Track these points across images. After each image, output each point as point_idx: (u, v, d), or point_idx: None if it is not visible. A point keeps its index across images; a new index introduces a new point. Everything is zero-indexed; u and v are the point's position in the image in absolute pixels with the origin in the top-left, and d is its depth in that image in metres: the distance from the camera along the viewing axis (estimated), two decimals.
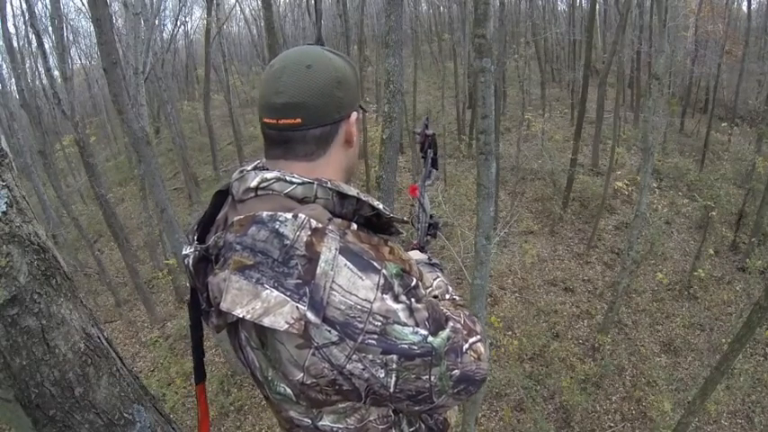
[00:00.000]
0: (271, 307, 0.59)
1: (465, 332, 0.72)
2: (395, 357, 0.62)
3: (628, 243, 8.13)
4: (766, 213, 10.25)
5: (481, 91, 3.61)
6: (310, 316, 0.58)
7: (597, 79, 14.51)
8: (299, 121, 0.70)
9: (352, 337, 0.60)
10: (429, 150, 1.12)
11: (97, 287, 11.46)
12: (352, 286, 0.60)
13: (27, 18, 10.76)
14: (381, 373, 0.62)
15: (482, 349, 0.74)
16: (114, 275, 11.67)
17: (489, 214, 3.98)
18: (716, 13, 17.29)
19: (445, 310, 0.73)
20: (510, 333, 8.82)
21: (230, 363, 8.11)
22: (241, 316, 0.59)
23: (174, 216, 6.76)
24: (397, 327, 0.62)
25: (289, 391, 0.67)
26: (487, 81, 3.55)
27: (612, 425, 7.40)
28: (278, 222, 0.61)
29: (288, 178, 0.68)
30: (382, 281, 0.61)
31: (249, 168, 0.73)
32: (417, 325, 0.64)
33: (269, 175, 0.68)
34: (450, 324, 0.70)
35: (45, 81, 12.47)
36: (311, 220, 0.61)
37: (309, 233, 0.60)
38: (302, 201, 0.68)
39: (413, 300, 0.65)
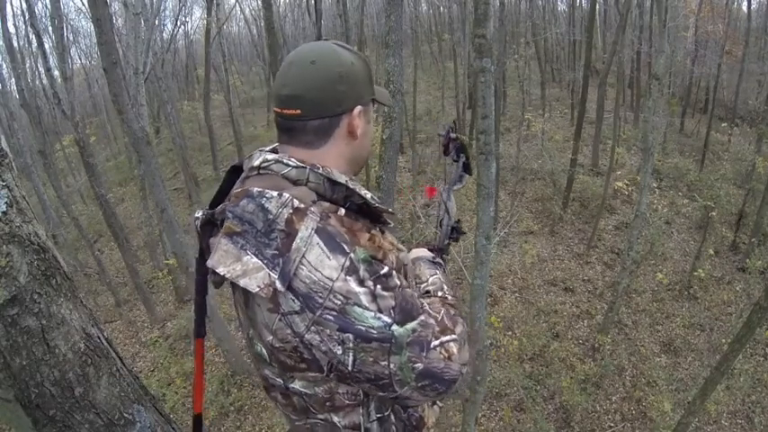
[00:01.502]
0: (248, 270, 0.66)
1: (438, 329, 0.73)
2: (351, 336, 0.66)
3: (628, 243, 8.13)
4: (766, 213, 10.24)
5: (481, 91, 3.61)
6: (278, 284, 0.65)
7: (597, 79, 14.51)
8: (298, 112, 0.77)
9: (312, 310, 0.65)
10: (461, 155, 1.14)
11: (97, 287, 11.46)
12: (319, 263, 0.65)
13: (27, 18, 10.76)
14: (339, 350, 0.67)
15: (454, 350, 0.74)
16: (114, 275, 11.67)
17: (489, 214, 3.97)
18: (716, 13, 17.29)
19: (424, 305, 0.75)
20: (510, 333, 8.82)
21: (230, 363, 8.10)
22: (222, 273, 0.67)
23: (174, 216, 6.76)
24: (356, 308, 0.66)
25: (264, 351, 0.73)
26: (487, 81, 3.55)
27: (612, 425, 7.40)
28: (264, 198, 0.68)
29: (285, 161, 0.75)
30: (348, 263, 0.66)
31: (267, 150, 0.81)
32: (380, 311, 0.67)
33: (270, 156, 0.76)
34: (421, 318, 0.71)
35: (45, 81, 12.47)
36: (294, 199, 0.68)
37: (291, 211, 0.67)
38: (296, 182, 0.74)
39: (378, 286, 0.67)
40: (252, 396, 7.78)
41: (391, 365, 0.69)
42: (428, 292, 0.92)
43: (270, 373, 0.77)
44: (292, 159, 0.76)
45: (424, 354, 0.70)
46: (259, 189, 0.69)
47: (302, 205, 0.68)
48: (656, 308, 9.63)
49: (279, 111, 0.79)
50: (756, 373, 8.02)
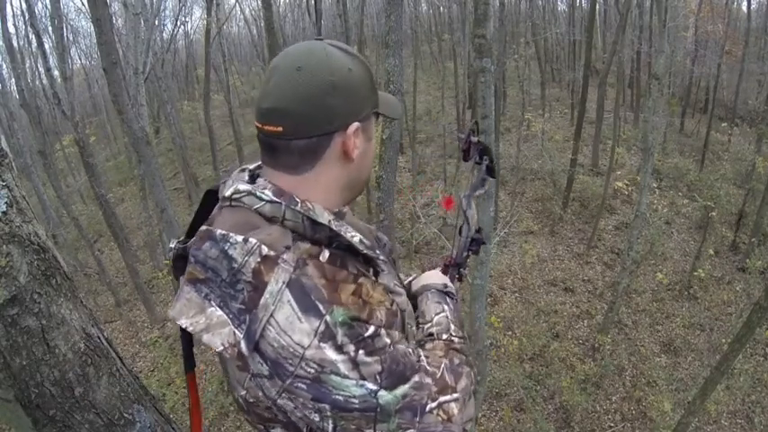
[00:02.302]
0: (212, 325, 0.59)
1: (435, 389, 0.65)
2: (327, 407, 0.58)
3: (628, 243, 8.13)
4: (766, 213, 10.25)
5: (481, 91, 3.62)
6: (242, 345, 0.58)
7: (597, 79, 14.51)
8: (280, 129, 0.64)
9: (281, 378, 0.58)
10: (485, 157, 1.05)
11: (97, 287, 11.46)
12: (288, 326, 0.57)
13: (27, 18, 10.77)
14: (315, 417, 0.59)
15: (455, 410, 0.65)
16: (114, 275, 11.67)
17: (489, 214, 3.98)
18: (716, 13, 17.29)
19: (421, 360, 0.66)
20: (510, 333, 8.82)
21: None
22: (184, 326, 0.60)
23: (173, 216, 6.76)
24: (334, 377, 0.57)
25: (240, 401, 0.66)
26: (487, 81, 3.55)
27: (612, 425, 7.40)
28: (228, 244, 0.60)
29: (258, 194, 0.65)
30: (323, 327, 0.57)
31: (247, 170, 0.71)
32: (363, 378, 0.58)
33: (242, 187, 0.66)
34: (415, 379, 0.63)
35: (45, 81, 12.47)
36: (263, 246, 0.59)
37: (259, 260, 0.59)
38: (270, 219, 0.64)
39: (361, 352, 0.58)
40: None
41: None
42: (431, 334, 0.81)
43: (251, 420, 0.70)
44: (266, 192, 0.65)
45: (417, 419, 0.62)
46: (222, 232, 0.61)
47: (272, 253, 0.59)
48: (656, 308, 9.64)
49: (259, 126, 0.66)
50: (756, 373, 8.03)
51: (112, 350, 0.98)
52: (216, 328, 0.59)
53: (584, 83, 12.49)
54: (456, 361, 0.73)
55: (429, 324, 0.83)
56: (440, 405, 0.64)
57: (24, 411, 0.82)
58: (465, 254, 1.03)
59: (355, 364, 0.58)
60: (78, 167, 16.35)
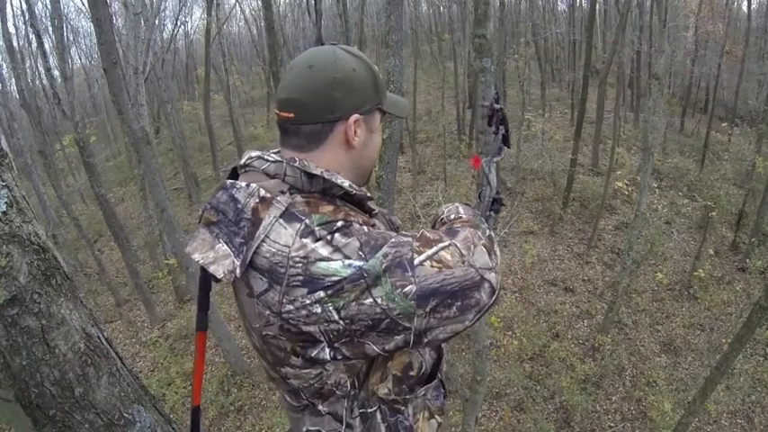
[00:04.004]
0: (218, 258, 0.69)
1: (418, 243, 0.68)
2: (322, 294, 0.63)
3: (628, 243, 8.13)
4: (766, 213, 10.25)
5: (481, 91, 3.61)
6: (237, 270, 0.66)
7: (597, 79, 14.50)
8: (291, 115, 0.77)
9: (278, 282, 0.65)
10: (501, 126, 1.12)
11: (97, 287, 11.46)
12: (276, 236, 0.66)
13: (27, 18, 10.75)
14: (318, 309, 0.64)
15: (448, 257, 0.68)
16: (114, 275, 11.67)
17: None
18: (716, 13, 17.30)
19: (400, 233, 0.71)
20: (510, 333, 8.82)
21: (230, 363, 8.10)
22: (196, 260, 0.70)
23: (174, 216, 6.76)
24: (320, 264, 0.64)
25: (257, 342, 0.74)
26: (487, 81, 3.55)
27: (612, 425, 7.40)
28: (235, 189, 0.71)
29: (266, 157, 0.77)
30: (302, 227, 0.66)
31: (272, 151, 0.82)
32: (348, 257, 0.64)
33: (253, 153, 0.79)
34: (392, 240, 0.67)
35: (45, 81, 12.46)
36: (260, 189, 0.70)
37: (257, 200, 0.69)
38: (274, 176, 0.75)
39: (337, 235, 0.65)
40: (252, 396, 7.78)
41: (378, 300, 0.64)
42: (441, 220, 0.90)
43: (266, 364, 0.78)
44: (271, 155, 0.77)
45: (411, 273, 0.65)
46: (232, 181, 0.73)
47: (268, 195, 0.69)
48: (656, 308, 9.63)
49: (277, 113, 0.80)
50: (756, 373, 8.02)
51: (112, 350, 0.98)
52: (220, 260, 0.68)
53: (584, 83, 12.49)
54: (456, 225, 0.79)
55: (442, 214, 0.94)
56: (429, 257, 0.67)
57: (24, 411, 0.82)
58: (488, 213, 1.12)
59: (335, 247, 0.65)
60: (78, 167, 16.35)
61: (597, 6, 16.36)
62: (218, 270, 0.67)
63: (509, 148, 1.15)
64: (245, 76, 30.47)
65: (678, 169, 13.73)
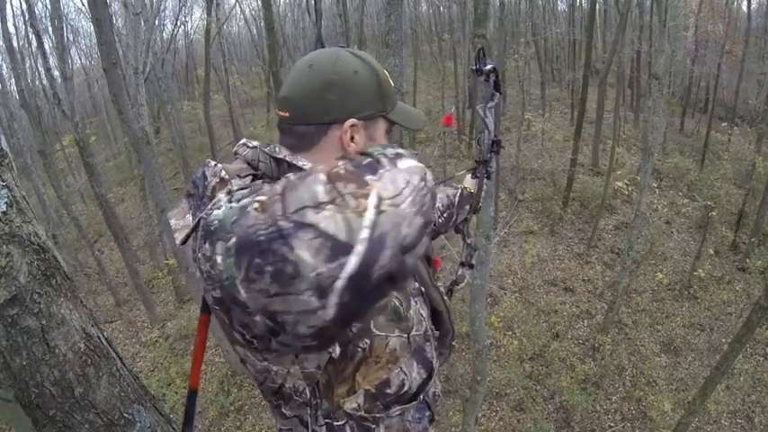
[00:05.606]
0: (184, 226, 0.71)
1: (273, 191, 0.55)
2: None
3: (628, 243, 8.12)
4: (766, 213, 10.25)
5: (481, 91, 3.62)
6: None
7: (597, 79, 14.50)
8: (287, 114, 0.77)
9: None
10: (491, 75, 1.20)
11: (97, 287, 11.45)
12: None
13: (27, 18, 10.74)
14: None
15: (263, 197, 0.49)
16: (114, 275, 11.67)
17: (489, 214, 3.98)
18: (716, 13, 17.29)
19: None
20: (510, 333, 8.82)
21: (230, 363, 8.10)
22: (171, 223, 0.73)
23: None
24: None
25: (238, 333, 0.73)
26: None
27: (612, 425, 7.40)
28: (207, 167, 0.73)
29: (248, 144, 0.79)
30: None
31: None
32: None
33: (241, 142, 0.81)
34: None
35: (45, 81, 12.45)
36: (222, 170, 0.71)
37: (218, 180, 0.70)
38: (250, 162, 0.77)
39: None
40: (252, 396, 7.78)
41: (217, 257, 0.48)
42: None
43: (248, 361, 0.76)
44: (252, 142, 0.79)
45: (239, 221, 0.48)
46: (209, 160, 0.75)
47: (227, 176, 0.70)
48: (656, 308, 9.63)
49: (277, 110, 0.81)
50: (756, 373, 8.03)
51: (112, 350, 0.98)
52: (184, 229, 0.69)
53: (584, 83, 12.49)
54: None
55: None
56: (254, 198, 0.52)
57: (24, 411, 0.82)
58: (489, 154, 1.21)
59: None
60: (78, 167, 16.34)
61: (597, 6, 16.35)
62: (179, 237, 0.70)
63: (500, 93, 1.25)
64: (244, 76, 30.47)
65: (678, 169, 13.73)
